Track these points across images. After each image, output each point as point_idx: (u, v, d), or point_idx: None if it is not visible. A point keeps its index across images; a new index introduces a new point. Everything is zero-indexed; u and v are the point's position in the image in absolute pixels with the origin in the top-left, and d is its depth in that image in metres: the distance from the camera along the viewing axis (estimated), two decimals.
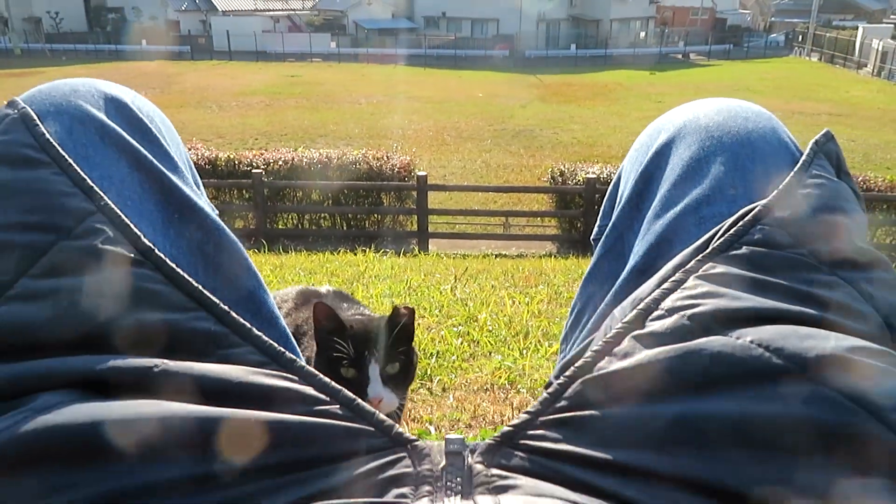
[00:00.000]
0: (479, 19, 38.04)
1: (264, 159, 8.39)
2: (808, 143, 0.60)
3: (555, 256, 6.47)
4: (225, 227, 0.61)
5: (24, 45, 37.70)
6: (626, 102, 21.77)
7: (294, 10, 40.98)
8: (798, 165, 0.55)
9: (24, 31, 39.58)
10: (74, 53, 35.90)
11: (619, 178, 0.68)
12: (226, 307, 0.49)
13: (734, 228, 0.52)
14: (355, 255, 4.87)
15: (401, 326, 0.96)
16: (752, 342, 0.44)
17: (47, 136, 0.55)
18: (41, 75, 28.65)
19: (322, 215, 8.55)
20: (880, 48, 28.28)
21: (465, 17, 38.62)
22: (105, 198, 0.53)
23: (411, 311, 0.97)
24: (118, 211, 0.52)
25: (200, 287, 0.50)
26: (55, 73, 29.15)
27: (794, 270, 0.50)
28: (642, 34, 40.31)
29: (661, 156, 0.64)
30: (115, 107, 0.61)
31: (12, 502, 0.38)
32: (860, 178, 7.99)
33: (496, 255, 6.34)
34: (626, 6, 39.05)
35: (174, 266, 0.50)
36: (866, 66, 29.40)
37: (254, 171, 7.71)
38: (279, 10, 40.58)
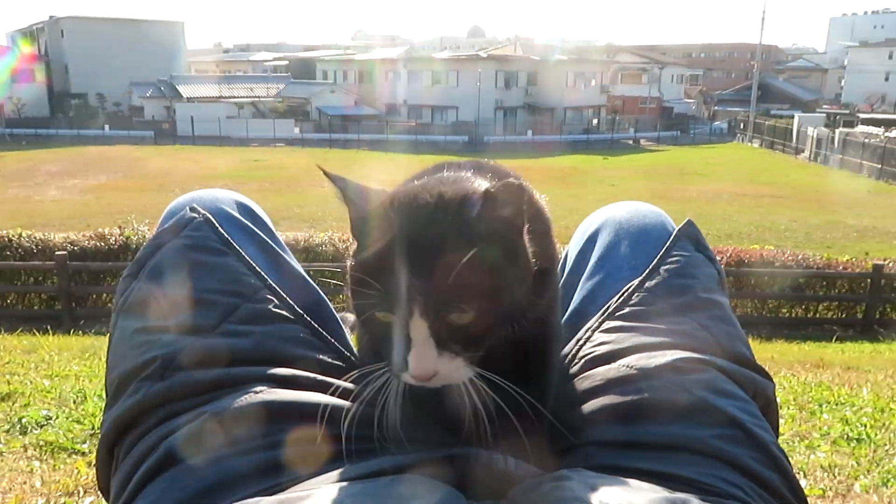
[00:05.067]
0: (438, 107, 39.49)
1: None
2: (675, 231, 0.91)
3: None
4: (311, 282, 0.95)
5: None
6: (583, 186, 22.63)
7: (258, 97, 41.97)
8: (663, 250, 0.88)
9: None
10: (35, 138, 35.89)
11: (566, 255, 1.03)
12: (344, 349, 0.82)
13: (622, 297, 0.84)
14: None
15: (473, 224, 0.64)
16: (622, 365, 0.77)
17: (227, 236, 0.86)
18: (0, 159, 28.53)
19: None
20: (815, 135, 30.17)
21: (425, 105, 40.05)
22: (268, 279, 0.84)
23: (507, 190, 0.64)
24: (278, 289, 0.84)
25: (328, 336, 0.82)
26: (15, 157, 29.04)
27: (658, 317, 0.81)
28: (595, 121, 42.25)
29: (591, 240, 0.96)
30: (241, 208, 0.96)
31: (244, 439, 0.69)
32: (800, 257, 8.47)
33: None
34: (579, 95, 41.08)
35: (314, 324, 0.83)
36: (803, 151, 31.23)
37: None
38: (243, 97, 41.50)
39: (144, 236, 7.74)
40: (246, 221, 0.94)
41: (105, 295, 7.92)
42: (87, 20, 45.99)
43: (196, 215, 0.88)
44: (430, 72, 40.92)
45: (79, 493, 1.82)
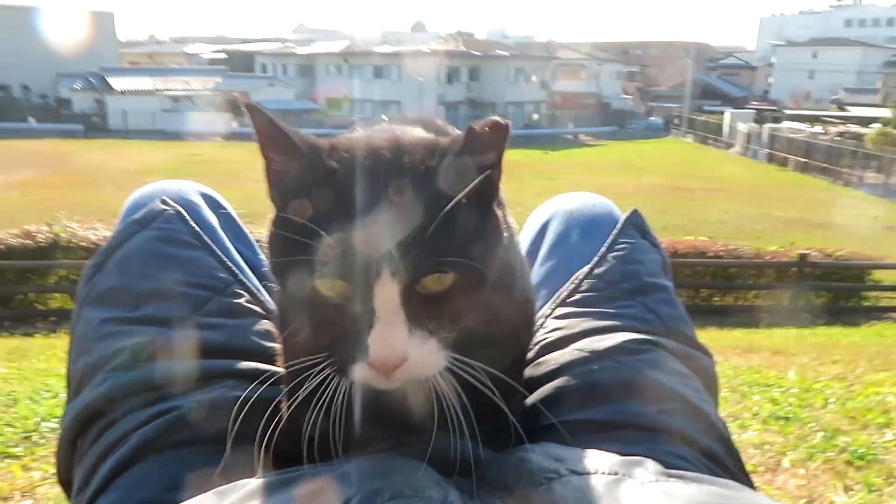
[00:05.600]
0: (380, 101, 39.26)
1: None
2: (622, 219, 0.95)
3: None
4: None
5: None
6: (523, 180, 22.87)
7: (195, 90, 40.83)
8: (610, 238, 0.91)
9: None
10: None
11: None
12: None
13: (573, 284, 0.88)
14: None
15: (453, 167, 0.53)
16: (574, 349, 0.80)
17: (198, 230, 0.86)
18: None
19: None
20: (745, 131, 31.31)
21: (367, 99, 39.76)
22: (240, 274, 0.84)
23: (493, 130, 0.54)
24: (248, 284, 0.84)
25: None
26: None
27: (607, 302, 0.85)
28: (535, 116, 42.74)
29: (543, 229, 0.99)
30: (208, 200, 0.96)
31: (211, 427, 0.69)
32: (731, 247, 8.81)
33: None
34: (520, 90, 41.48)
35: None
36: (734, 146, 32.36)
37: None
38: (179, 90, 40.29)
39: (75, 234, 7.46)
40: (213, 214, 0.94)
41: (33, 294, 7.60)
42: (8, 8, 43.75)
43: (166, 207, 0.87)
44: (372, 66, 40.64)
45: (14, 497, 1.76)
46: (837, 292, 9.12)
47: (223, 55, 51.01)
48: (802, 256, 8.56)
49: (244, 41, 61.35)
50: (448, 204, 0.52)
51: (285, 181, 0.56)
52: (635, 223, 0.95)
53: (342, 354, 0.54)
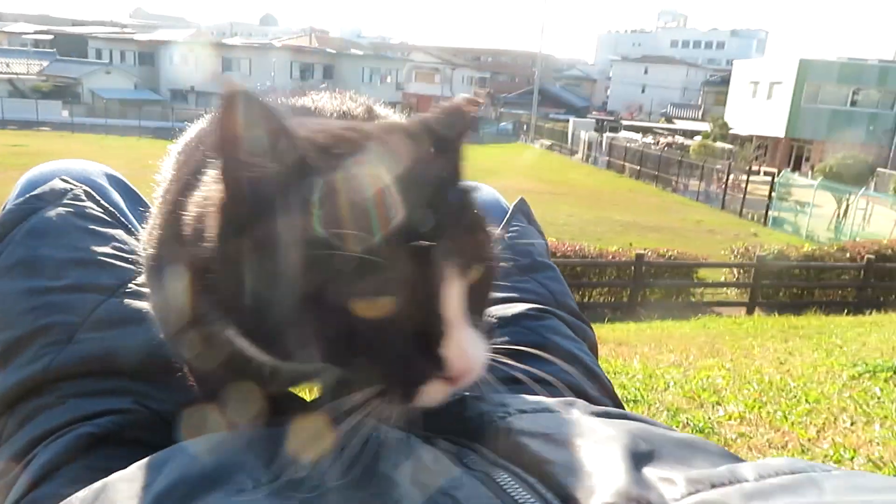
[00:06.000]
0: None
1: None
2: (512, 206, 1.05)
3: None
4: None
5: None
6: None
7: (16, 73, 36.96)
8: (504, 221, 1.01)
9: None
10: None
11: None
12: None
13: None
14: None
15: (458, 151, 0.53)
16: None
17: (111, 209, 0.83)
18: None
19: None
20: (586, 138, 33.46)
21: (215, 92, 38.05)
22: None
23: (470, 105, 0.54)
24: None
25: None
26: None
27: (507, 277, 0.90)
28: None
29: None
30: (111, 179, 0.92)
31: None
32: (577, 248, 9.42)
33: None
34: (375, 91, 41.05)
35: None
36: (577, 153, 34.47)
37: None
38: None
39: None
40: (121, 196, 0.90)
41: None
42: None
43: (72, 186, 0.83)
44: (220, 58, 38.95)
45: None
46: (669, 289, 10.02)
47: (50, 37, 46.60)
48: (639, 256, 9.32)
49: (74, 23, 56.52)
50: (466, 188, 0.51)
51: (261, 188, 0.46)
52: (523, 210, 1.04)
53: (397, 379, 0.47)
